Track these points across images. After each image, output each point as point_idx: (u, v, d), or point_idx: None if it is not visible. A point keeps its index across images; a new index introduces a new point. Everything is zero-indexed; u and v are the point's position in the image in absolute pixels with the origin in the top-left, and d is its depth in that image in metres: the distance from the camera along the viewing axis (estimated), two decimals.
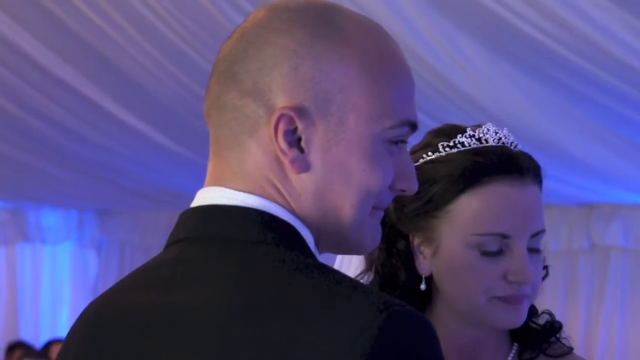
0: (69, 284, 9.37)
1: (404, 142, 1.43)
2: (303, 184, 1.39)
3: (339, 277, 1.34)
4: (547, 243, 6.21)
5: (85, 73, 5.71)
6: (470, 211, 1.87)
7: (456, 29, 4.42)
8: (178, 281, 1.39)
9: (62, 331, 8.58)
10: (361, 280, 1.95)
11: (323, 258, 1.42)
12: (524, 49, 4.38)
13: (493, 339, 1.94)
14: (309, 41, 1.38)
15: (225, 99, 1.41)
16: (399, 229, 1.92)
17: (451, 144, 1.91)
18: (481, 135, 1.91)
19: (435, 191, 1.88)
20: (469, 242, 1.86)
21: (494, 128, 1.93)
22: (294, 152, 1.38)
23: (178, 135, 6.29)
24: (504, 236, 1.86)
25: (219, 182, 1.42)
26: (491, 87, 4.74)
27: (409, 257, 1.92)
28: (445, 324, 1.90)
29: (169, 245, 1.46)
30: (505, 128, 1.94)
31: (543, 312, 1.99)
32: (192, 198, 1.47)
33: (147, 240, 8.71)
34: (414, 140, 1.77)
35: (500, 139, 1.92)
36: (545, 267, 1.98)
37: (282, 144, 1.37)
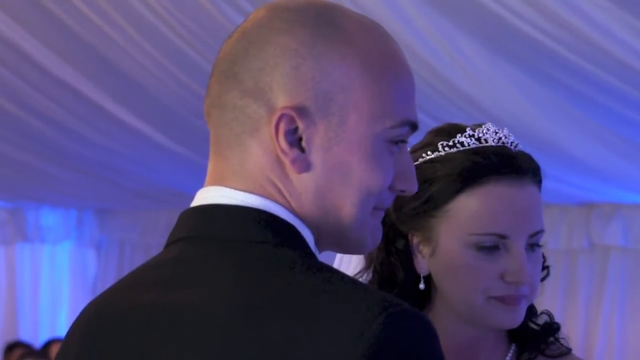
0: (68, 283, 9.37)
1: (404, 141, 1.44)
2: (304, 183, 1.39)
3: (340, 277, 1.34)
4: (547, 242, 6.18)
5: (86, 73, 5.71)
6: (468, 211, 1.87)
7: (456, 29, 4.42)
8: (178, 281, 1.39)
9: (62, 331, 8.59)
10: (360, 279, 1.95)
11: (323, 257, 1.42)
12: (524, 49, 4.38)
13: (491, 339, 1.94)
14: (310, 41, 1.38)
15: (226, 99, 1.41)
16: (398, 228, 1.92)
17: (450, 143, 1.91)
18: (481, 135, 1.91)
19: (434, 191, 1.88)
20: (467, 242, 1.86)
21: (494, 128, 1.93)
22: (295, 152, 1.38)
23: (178, 135, 6.29)
24: (502, 236, 1.86)
25: (219, 181, 1.42)
26: (491, 87, 4.74)
27: (407, 256, 1.92)
28: (444, 323, 1.90)
29: (169, 244, 1.46)
30: (505, 128, 1.94)
31: (542, 313, 1.99)
32: (191, 197, 1.47)
33: (147, 239, 8.71)
34: (415, 139, 1.77)
35: (500, 138, 1.92)
36: (547, 268, 1.98)
37: (283, 143, 1.38)
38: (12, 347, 7.95)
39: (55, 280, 9.32)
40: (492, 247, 1.86)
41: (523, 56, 4.44)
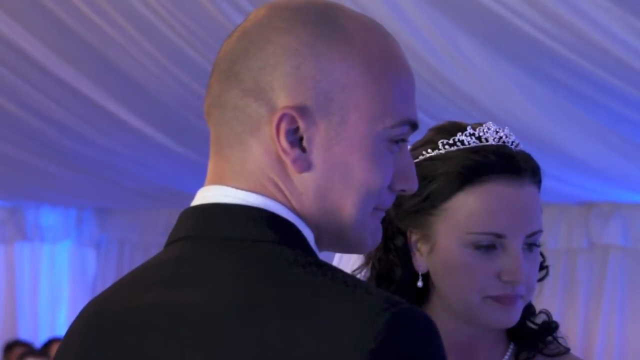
0: (67, 282, 9.37)
1: (404, 141, 1.44)
2: (304, 183, 1.39)
3: (341, 276, 1.34)
4: (546, 242, 6.20)
5: (86, 73, 5.71)
6: (466, 209, 1.87)
7: (456, 29, 4.42)
8: (179, 280, 1.39)
9: (61, 330, 8.58)
10: (358, 276, 1.95)
11: (322, 255, 1.43)
12: (524, 49, 4.38)
13: (489, 338, 1.94)
14: (310, 40, 1.38)
15: (226, 98, 1.41)
16: (397, 225, 1.93)
17: (451, 141, 1.91)
18: (481, 133, 1.91)
19: (433, 188, 1.88)
20: (465, 241, 1.86)
21: (494, 127, 1.93)
22: (296, 152, 1.38)
23: (178, 135, 6.29)
24: (499, 236, 1.86)
25: (220, 180, 1.42)
26: (491, 86, 4.74)
27: (406, 254, 1.92)
28: (441, 322, 1.89)
29: (169, 243, 1.45)
30: (506, 127, 1.94)
31: (540, 312, 1.99)
32: (191, 197, 1.47)
33: (147, 239, 8.71)
34: (414, 139, 1.77)
35: (501, 138, 1.92)
36: (546, 268, 1.98)
37: (284, 143, 1.38)
38: (11, 346, 7.95)
39: (54, 280, 9.32)
40: (489, 246, 1.86)
41: (523, 56, 4.44)
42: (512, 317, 1.88)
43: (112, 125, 6.24)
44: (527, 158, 1.91)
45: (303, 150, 1.38)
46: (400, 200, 1.89)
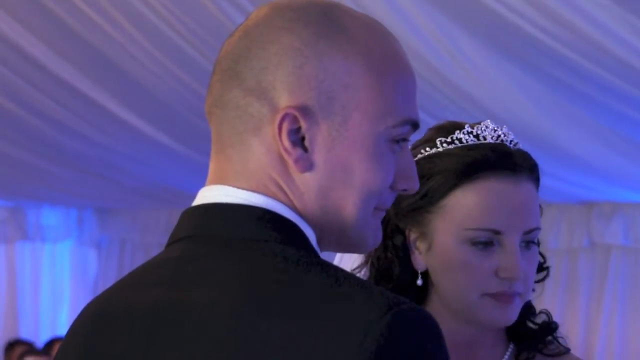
0: (69, 282, 9.37)
1: (405, 140, 1.44)
2: (306, 182, 1.39)
3: (344, 276, 1.33)
4: (547, 241, 6.23)
5: (86, 72, 5.71)
6: (463, 206, 1.87)
7: (456, 28, 4.42)
8: (181, 280, 1.39)
9: (62, 330, 8.59)
10: (358, 275, 1.95)
11: (323, 255, 1.42)
12: (525, 48, 4.38)
13: (489, 337, 1.94)
14: (313, 40, 1.38)
15: (228, 98, 1.41)
16: (396, 223, 1.93)
17: (449, 140, 1.92)
18: (479, 132, 1.92)
19: (430, 186, 1.88)
20: (462, 238, 1.87)
21: (492, 125, 1.93)
22: (298, 151, 1.38)
23: (178, 134, 6.29)
24: (496, 232, 1.86)
25: (221, 180, 1.42)
26: (491, 85, 4.74)
27: (405, 253, 1.93)
28: (441, 321, 1.88)
29: (170, 243, 1.45)
30: (505, 126, 1.94)
31: (540, 312, 1.99)
32: (192, 196, 1.47)
33: (147, 238, 8.71)
34: (414, 138, 1.77)
35: (499, 136, 1.92)
36: (547, 269, 1.99)
37: (286, 143, 1.37)
38: (12, 345, 7.95)
39: (55, 279, 9.32)
40: (486, 242, 1.86)
41: (524, 55, 4.44)
42: (510, 315, 1.88)
43: (113, 124, 6.24)
44: (525, 156, 1.92)
45: (305, 150, 1.38)
46: (398, 199, 1.89)
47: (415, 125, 1.43)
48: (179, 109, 5.89)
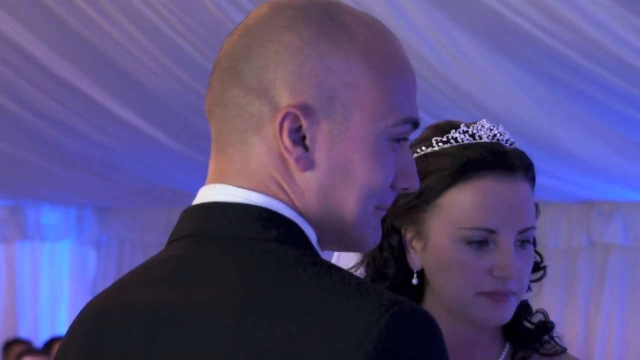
0: (68, 281, 9.37)
1: (405, 139, 1.44)
2: (307, 181, 1.39)
3: (344, 275, 1.33)
4: (547, 241, 6.23)
5: (85, 71, 5.71)
6: (458, 205, 1.88)
7: (456, 27, 4.42)
8: (181, 279, 1.39)
9: (62, 329, 8.59)
10: (354, 273, 1.95)
11: (322, 253, 1.42)
12: (524, 47, 4.38)
13: (485, 337, 1.95)
14: (313, 38, 1.38)
15: (228, 96, 1.41)
16: (392, 223, 1.93)
17: (444, 139, 1.92)
18: (475, 131, 1.92)
19: (425, 185, 1.88)
20: (457, 237, 1.87)
21: (488, 124, 1.94)
22: (299, 150, 1.38)
23: (177, 133, 6.29)
24: (491, 231, 1.87)
25: (221, 179, 1.42)
26: (491, 85, 4.74)
27: (401, 252, 1.93)
28: (437, 320, 1.90)
29: (170, 242, 1.45)
30: (500, 125, 1.95)
31: (537, 311, 1.99)
32: (192, 196, 1.47)
33: (147, 237, 8.71)
34: (412, 137, 1.77)
35: (495, 135, 1.92)
36: (543, 268, 1.99)
37: (287, 142, 1.37)
38: (11, 343, 7.94)
39: (55, 279, 9.32)
40: (481, 242, 1.87)
41: (523, 54, 4.44)
42: (504, 314, 1.88)
43: (112, 123, 6.24)
44: (521, 155, 1.92)
45: (306, 148, 1.38)
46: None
47: (415, 124, 1.43)
48: (178, 108, 5.89)
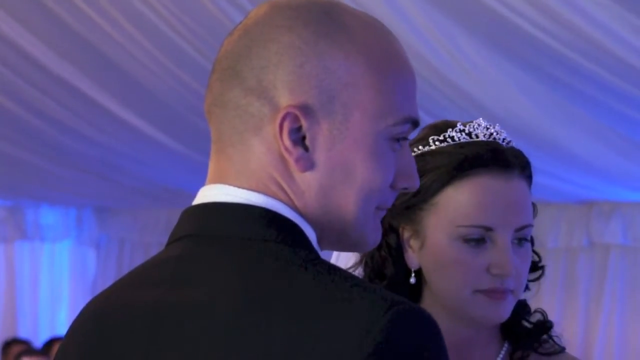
0: (67, 282, 9.37)
1: (405, 139, 1.44)
2: (307, 182, 1.39)
3: (344, 275, 1.34)
4: (546, 241, 6.23)
5: (85, 71, 5.71)
6: (455, 203, 1.88)
7: (456, 27, 4.42)
8: (181, 279, 1.39)
9: (61, 329, 8.58)
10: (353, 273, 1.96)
11: (321, 253, 1.42)
12: (524, 47, 4.38)
13: (483, 336, 1.95)
14: (313, 39, 1.38)
15: (228, 97, 1.41)
16: (389, 222, 1.93)
17: (441, 138, 1.93)
18: (471, 130, 1.93)
19: (422, 183, 1.89)
20: (454, 234, 1.87)
21: (485, 123, 1.94)
22: (299, 151, 1.38)
23: (177, 133, 6.29)
24: (488, 229, 1.87)
25: (221, 179, 1.42)
26: (491, 85, 4.74)
27: (398, 251, 1.93)
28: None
29: (170, 243, 1.45)
30: (497, 124, 1.95)
31: (535, 311, 1.99)
32: (191, 196, 1.47)
33: (146, 238, 8.71)
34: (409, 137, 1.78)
35: (491, 134, 1.93)
36: (541, 268, 1.99)
37: (287, 142, 1.37)
38: (9, 343, 7.93)
39: (54, 279, 9.31)
40: (478, 239, 1.87)
41: (523, 55, 4.44)
42: (502, 312, 1.88)
43: (112, 124, 6.23)
44: (517, 153, 1.93)
45: (306, 149, 1.38)
46: None
47: (415, 124, 1.44)
48: (178, 109, 5.88)
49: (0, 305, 9.13)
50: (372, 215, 1.42)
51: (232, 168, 1.41)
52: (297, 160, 1.38)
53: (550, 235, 6.27)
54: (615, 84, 4.46)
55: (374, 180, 1.40)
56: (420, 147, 1.93)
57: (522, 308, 1.96)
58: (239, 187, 1.40)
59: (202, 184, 1.46)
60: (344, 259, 2.04)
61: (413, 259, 1.92)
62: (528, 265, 1.92)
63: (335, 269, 1.35)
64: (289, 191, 1.39)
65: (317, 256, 1.39)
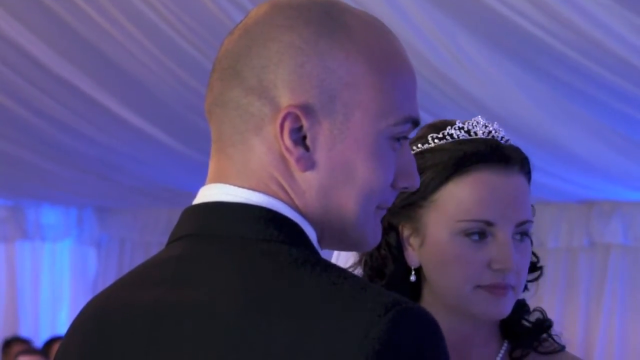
0: (68, 281, 9.37)
1: (406, 138, 1.44)
2: (308, 181, 1.39)
3: (344, 275, 1.33)
4: (547, 240, 6.23)
5: (85, 70, 5.71)
6: (455, 198, 1.88)
7: (456, 26, 4.42)
8: (181, 278, 1.39)
9: (62, 329, 8.59)
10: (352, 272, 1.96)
11: (321, 252, 1.42)
12: (525, 47, 4.38)
13: (483, 335, 1.95)
14: (313, 38, 1.38)
15: (228, 96, 1.41)
16: (389, 221, 1.93)
17: (440, 135, 1.93)
18: (470, 127, 1.94)
19: (422, 181, 1.89)
20: (454, 230, 1.87)
21: (483, 121, 1.95)
22: (300, 151, 1.37)
23: (177, 133, 6.29)
24: (489, 223, 1.87)
25: (222, 179, 1.42)
26: (492, 84, 4.74)
27: (398, 249, 1.93)
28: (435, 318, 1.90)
29: (170, 242, 1.45)
30: (495, 122, 1.96)
31: (535, 310, 1.99)
32: (192, 195, 1.47)
33: (147, 237, 8.72)
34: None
35: (490, 132, 1.93)
36: (540, 268, 1.99)
37: (288, 142, 1.37)
38: (10, 342, 7.93)
39: (55, 278, 9.32)
40: (479, 234, 1.87)
41: (524, 54, 4.44)
42: (503, 308, 1.88)
43: (112, 123, 6.24)
44: (516, 149, 1.94)
45: (307, 148, 1.38)
46: None
47: (415, 123, 1.44)
48: (178, 108, 5.89)
49: (2, 304, 9.14)
50: (372, 215, 1.42)
51: (233, 168, 1.41)
52: (297, 160, 1.38)
53: (550, 235, 6.28)
54: (615, 83, 4.46)
55: (375, 179, 1.40)
56: (420, 145, 1.94)
57: (521, 307, 1.96)
58: (239, 186, 1.40)
59: (202, 183, 1.46)
60: (343, 259, 2.04)
61: (413, 256, 1.92)
62: (528, 261, 1.92)
63: (335, 268, 1.35)
64: (289, 191, 1.39)
65: (318, 256, 1.39)
